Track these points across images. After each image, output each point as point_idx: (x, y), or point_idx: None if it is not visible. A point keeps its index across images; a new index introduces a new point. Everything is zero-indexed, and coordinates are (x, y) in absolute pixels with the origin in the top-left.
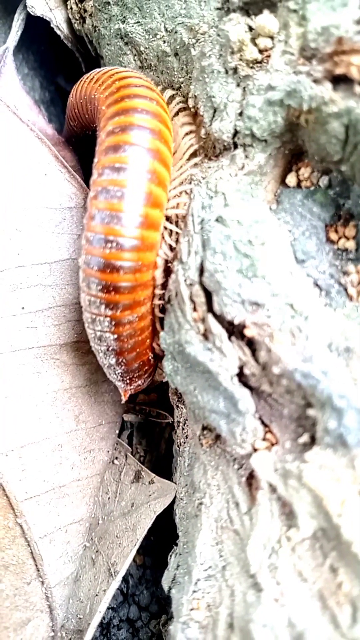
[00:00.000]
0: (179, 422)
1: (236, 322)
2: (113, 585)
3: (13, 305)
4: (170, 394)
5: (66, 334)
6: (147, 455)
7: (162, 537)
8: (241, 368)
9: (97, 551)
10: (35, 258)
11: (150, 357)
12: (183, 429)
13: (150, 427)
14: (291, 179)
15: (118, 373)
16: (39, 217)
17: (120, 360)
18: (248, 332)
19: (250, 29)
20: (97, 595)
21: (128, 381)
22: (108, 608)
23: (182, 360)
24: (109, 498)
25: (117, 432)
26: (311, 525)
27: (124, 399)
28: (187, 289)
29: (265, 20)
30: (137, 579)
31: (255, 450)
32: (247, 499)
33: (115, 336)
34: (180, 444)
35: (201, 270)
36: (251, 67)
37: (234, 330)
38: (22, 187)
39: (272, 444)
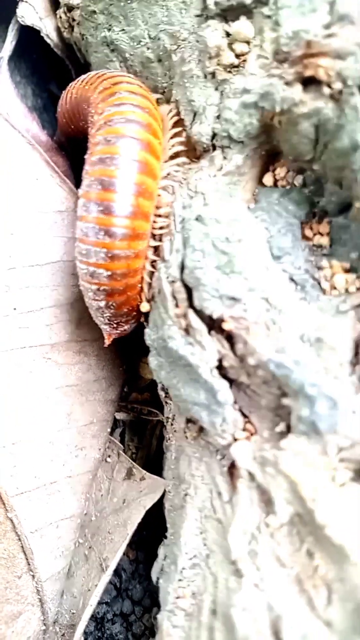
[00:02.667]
0: (168, 418)
1: (215, 316)
2: (104, 579)
3: (5, 306)
4: (159, 391)
5: (57, 334)
6: (139, 452)
7: (155, 532)
8: (220, 361)
9: (90, 547)
10: (26, 260)
11: (138, 304)
12: (172, 424)
13: (141, 425)
14: (268, 179)
15: (106, 316)
16: (31, 221)
17: (110, 303)
18: (226, 326)
19: (228, 34)
20: (89, 590)
21: (115, 325)
22: (102, 603)
23: (165, 355)
24: (101, 495)
25: (109, 430)
26: (288, 511)
27: (107, 343)
28: (169, 286)
29: (242, 26)
30: (130, 573)
31: (235, 440)
32: (228, 488)
33: (109, 273)
34: (169, 439)
35: (182, 268)
36: (228, 72)
37: (214, 325)
38: (14, 191)
39: (252, 434)
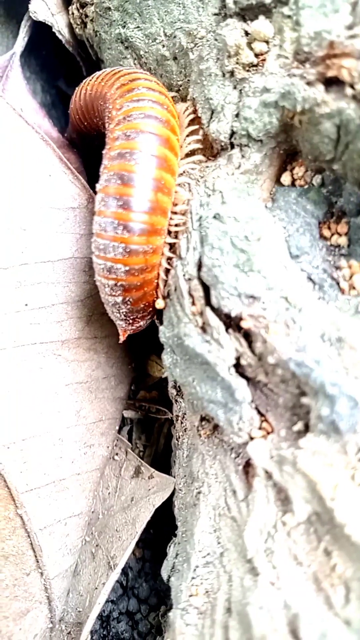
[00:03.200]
0: (177, 416)
1: (233, 314)
2: (112, 577)
3: (17, 301)
4: (169, 389)
5: (68, 331)
6: (147, 450)
7: (161, 530)
8: (238, 359)
9: (97, 545)
10: (39, 256)
11: (154, 300)
12: (182, 422)
13: (149, 423)
14: (286, 178)
15: (122, 312)
16: (43, 217)
17: (127, 298)
18: (244, 324)
19: (247, 33)
20: (96, 588)
21: (131, 321)
22: (108, 601)
23: (181, 353)
24: (109, 493)
25: (117, 428)
26: (306, 509)
27: (122, 339)
28: (185, 284)
29: (261, 25)
30: (137, 572)
31: (251, 438)
32: (243, 486)
33: (127, 268)
34: (179, 437)
35: (199, 266)
36: (247, 70)
37: (231, 323)
38: (27, 187)
39: (268, 433)
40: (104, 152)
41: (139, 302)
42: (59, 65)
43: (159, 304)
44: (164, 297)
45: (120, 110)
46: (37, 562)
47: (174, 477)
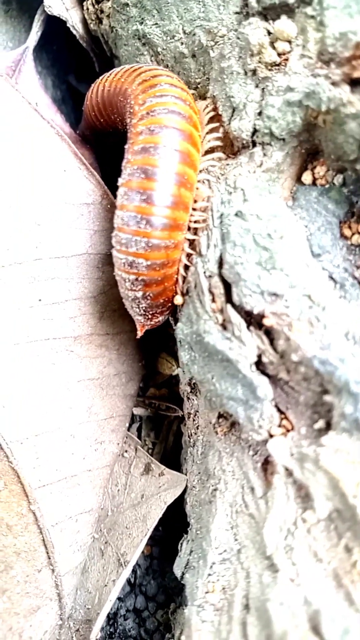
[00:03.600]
0: (189, 413)
1: (255, 312)
2: (124, 574)
3: (30, 296)
4: (181, 386)
5: (81, 327)
6: (156, 447)
7: (170, 528)
8: (259, 356)
9: (105, 542)
10: (53, 251)
11: (173, 295)
12: (194, 419)
13: (158, 420)
14: (307, 177)
15: (142, 307)
16: (58, 212)
17: (147, 293)
18: (267, 322)
19: (269, 32)
20: (106, 585)
21: (150, 316)
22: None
23: (199, 350)
24: (118, 490)
25: (127, 425)
26: (327, 506)
27: (139, 334)
28: (206, 281)
29: (284, 25)
30: (145, 569)
31: (271, 436)
32: (262, 483)
33: (148, 263)
34: (191, 434)
35: (220, 263)
36: (269, 69)
37: (252, 320)
38: (41, 182)
39: (288, 430)
40: (126, 146)
41: (158, 297)
42: (70, 61)
43: (178, 300)
44: (183, 294)
45: (143, 105)
46: (49, 558)
47: (186, 474)
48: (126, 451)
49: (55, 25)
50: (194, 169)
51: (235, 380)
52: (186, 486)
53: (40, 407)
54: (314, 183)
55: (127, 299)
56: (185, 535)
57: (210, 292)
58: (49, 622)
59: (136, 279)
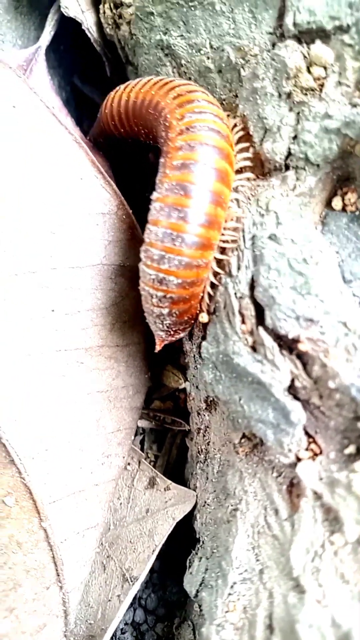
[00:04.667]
0: (199, 428)
1: (290, 336)
2: (133, 589)
3: (43, 307)
4: (193, 401)
5: (92, 339)
6: (158, 460)
7: (171, 541)
8: (292, 381)
9: (108, 556)
10: (67, 261)
11: (197, 313)
12: (204, 435)
13: (161, 433)
14: (337, 203)
15: (166, 323)
16: (73, 221)
17: (174, 310)
18: (302, 347)
19: (304, 56)
20: (109, 600)
21: (172, 332)
22: None
23: (226, 370)
24: (120, 504)
25: (133, 438)
26: (357, 530)
27: (158, 349)
28: (237, 302)
29: (322, 50)
30: (145, 582)
31: (298, 459)
32: (287, 506)
33: (179, 281)
34: (202, 450)
35: (251, 285)
36: (305, 94)
37: (282, 344)
38: (58, 189)
39: (316, 454)
40: (161, 160)
41: (184, 315)
42: (75, 62)
43: (203, 318)
44: (209, 312)
45: (182, 120)
46: (58, 575)
47: (194, 489)
48: (129, 464)
49: (63, 26)
50: (229, 188)
51: (266, 404)
52: (195, 502)
53: (50, 421)
54: (343, 209)
55: (151, 315)
56: (193, 552)
57: (241, 313)
58: (54, 639)
59: (164, 296)
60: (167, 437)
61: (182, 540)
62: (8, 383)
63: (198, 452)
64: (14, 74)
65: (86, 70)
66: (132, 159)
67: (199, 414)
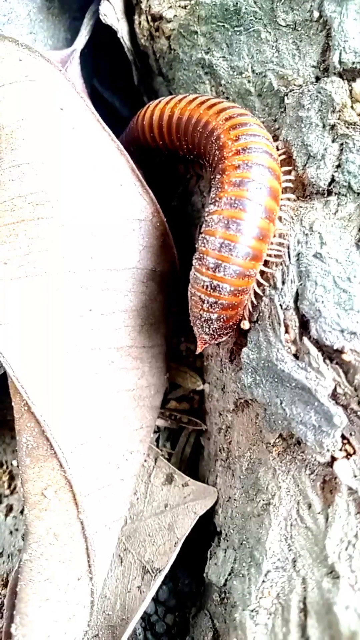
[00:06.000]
0: (220, 428)
1: (335, 347)
2: (157, 580)
3: (82, 306)
4: (216, 402)
5: (123, 339)
6: (172, 458)
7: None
8: (334, 387)
9: (125, 549)
10: (105, 263)
11: (240, 320)
12: (225, 435)
13: (174, 432)
14: None
15: (212, 327)
16: (112, 225)
17: (222, 316)
18: (346, 357)
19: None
20: (129, 591)
21: (216, 336)
22: None
23: (267, 375)
24: (137, 499)
25: (151, 435)
26: None
27: (199, 350)
28: (282, 313)
29: None
30: None
31: (333, 459)
32: (320, 500)
33: (232, 288)
34: (222, 449)
35: (296, 297)
36: (347, 127)
37: (324, 353)
38: (99, 193)
39: (349, 454)
40: (218, 176)
41: (230, 320)
42: (96, 66)
43: (245, 325)
44: (250, 320)
45: (238, 141)
46: (89, 567)
47: (212, 485)
48: (145, 460)
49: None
50: (278, 206)
51: (308, 407)
52: (218, 497)
53: (85, 416)
54: None
55: (199, 319)
56: (214, 544)
57: (285, 323)
58: (80, 629)
59: (215, 302)
60: (180, 436)
61: (192, 534)
62: (49, 378)
63: (219, 451)
64: (63, 76)
65: (106, 75)
66: (161, 168)
67: (220, 414)
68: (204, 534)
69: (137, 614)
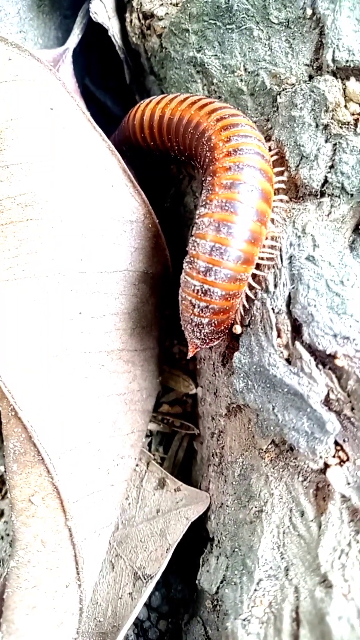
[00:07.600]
0: (213, 433)
1: (328, 352)
2: (149, 586)
3: (72, 309)
4: (208, 406)
5: (114, 342)
6: (165, 462)
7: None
8: (327, 393)
9: (116, 555)
10: (96, 265)
11: (232, 324)
12: (218, 440)
13: (167, 436)
14: None
15: (203, 332)
16: (102, 226)
17: (213, 320)
18: (339, 362)
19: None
20: (120, 598)
21: (207, 341)
22: None
23: (259, 380)
24: (129, 504)
25: (143, 440)
26: None
27: (190, 355)
28: (274, 317)
29: (358, 87)
30: None
31: (326, 465)
32: (313, 508)
33: (223, 293)
34: (215, 454)
35: (288, 301)
36: (341, 127)
37: (317, 358)
38: (89, 194)
39: (342, 461)
40: (209, 178)
41: (221, 325)
42: (88, 65)
43: (237, 329)
44: (242, 324)
45: (229, 142)
46: (78, 573)
47: (204, 490)
48: (137, 465)
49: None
50: (270, 208)
51: (301, 413)
52: (210, 503)
53: (74, 421)
54: None
55: (190, 323)
56: (206, 551)
57: (277, 327)
58: (68, 636)
59: (206, 307)
60: (174, 440)
61: (185, 539)
62: (37, 383)
63: (212, 456)
64: (53, 76)
65: (98, 73)
66: (153, 169)
67: (213, 418)
68: (197, 540)
69: (128, 621)
